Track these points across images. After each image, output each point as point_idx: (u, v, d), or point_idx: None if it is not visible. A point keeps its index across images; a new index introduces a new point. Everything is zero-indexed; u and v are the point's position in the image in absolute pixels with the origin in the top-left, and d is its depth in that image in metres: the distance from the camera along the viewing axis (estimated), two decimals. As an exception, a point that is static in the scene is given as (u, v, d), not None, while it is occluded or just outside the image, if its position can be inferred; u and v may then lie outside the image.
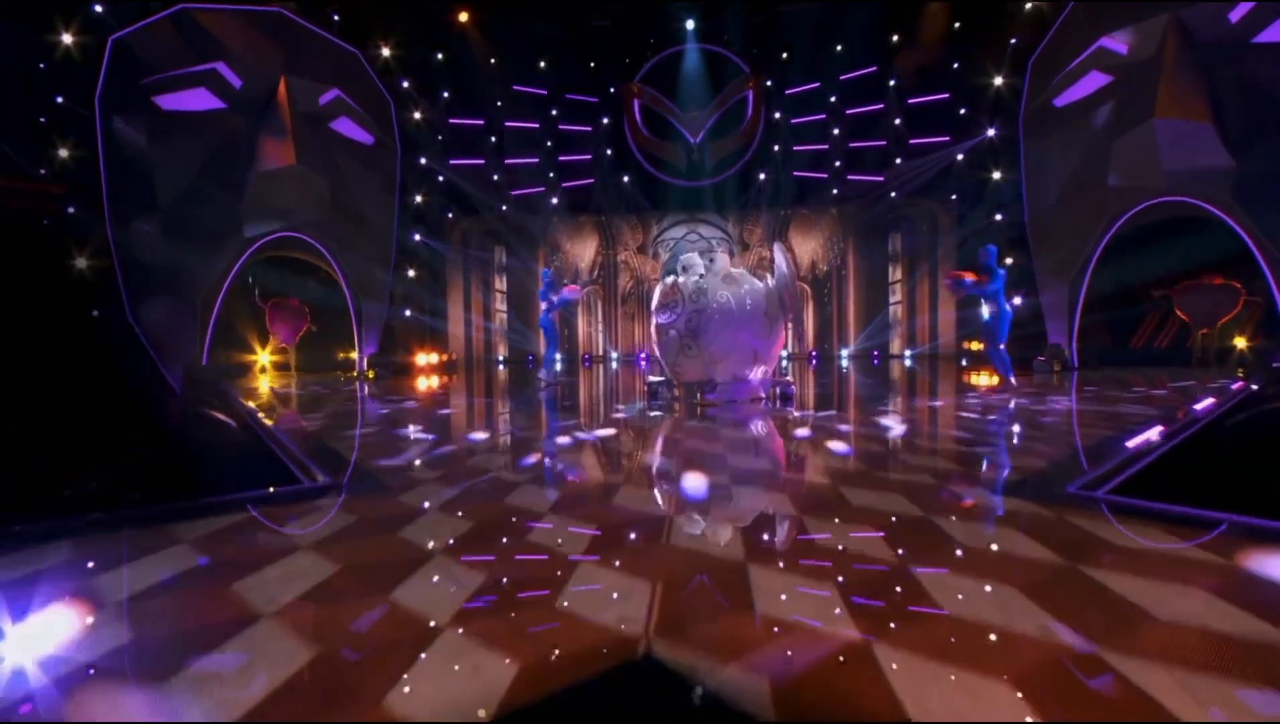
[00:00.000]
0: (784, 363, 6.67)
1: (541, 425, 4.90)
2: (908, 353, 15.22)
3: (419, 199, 13.10)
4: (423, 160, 12.95)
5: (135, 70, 8.25)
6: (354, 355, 10.83)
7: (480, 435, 4.50)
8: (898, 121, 13.67)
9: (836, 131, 14.26)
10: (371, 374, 10.38)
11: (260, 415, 5.21)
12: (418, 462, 3.47)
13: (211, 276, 8.92)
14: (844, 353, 16.17)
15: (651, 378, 6.33)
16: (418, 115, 12.71)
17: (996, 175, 11.38)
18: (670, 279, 5.88)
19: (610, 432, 4.39)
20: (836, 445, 3.76)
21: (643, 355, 15.75)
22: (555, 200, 15.26)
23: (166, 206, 8.64)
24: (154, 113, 8.52)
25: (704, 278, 5.66)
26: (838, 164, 14.48)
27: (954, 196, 13.13)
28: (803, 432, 4.21)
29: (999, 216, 11.31)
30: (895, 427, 4.41)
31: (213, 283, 8.96)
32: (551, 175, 15.00)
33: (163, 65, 8.35)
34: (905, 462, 3.35)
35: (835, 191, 14.87)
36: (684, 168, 15.08)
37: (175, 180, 8.68)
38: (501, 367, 14.92)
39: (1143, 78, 7.87)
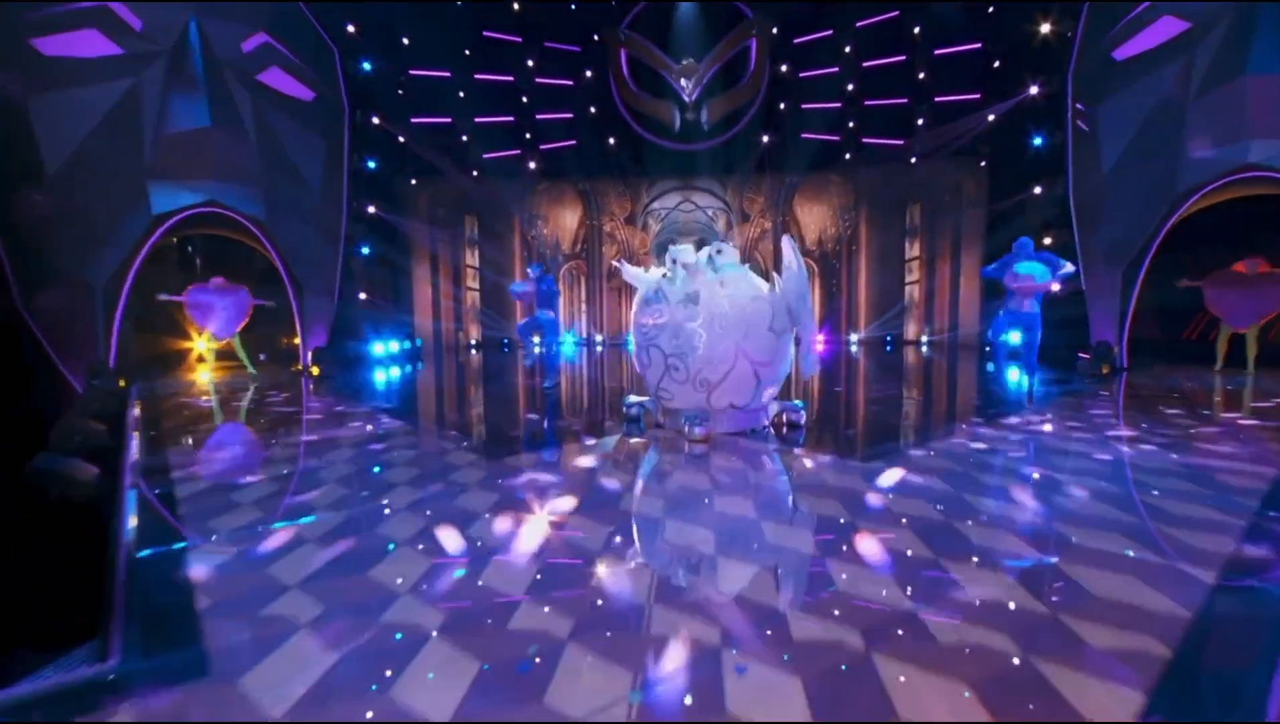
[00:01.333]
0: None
1: (480, 472, 3.93)
2: (924, 339, 14.32)
3: (373, 165, 11.80)
4: (375, 120, 11.63)
5: (5, 6, 6.92)
6: (307, 343, 9.74)
7: (400, 497, 3.52)
8: (922, 76, 12.59)
9: (851, 87, 13.19)
10: (316, 371, 9.33)
11: (134, 454, 4.20)
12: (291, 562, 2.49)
13: (116, 259, 7.75)
14: (853, 338, 15.31)
15: (630, 398, 5.30)
16: (369, 66, 11.33)
17: (1037, 140, 10.24)
18: (655, 275, 4.84)
19: (566, 493, 3.42)
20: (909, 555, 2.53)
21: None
22: (532, 164, 14.45)
23: (55, 175, 7.42)
24: (32, 59, 7.22)
25: (699, 281, 4.66)
26: (852, 125, 13.53)
27: (983, 164, 12.04)
28: (837, 505, 3.21)
29: (1037, 189, 10.22)
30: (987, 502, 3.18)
31: (119, 266, 7.79)
32: (528, 136, 14.08)
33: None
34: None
35: (848, 156, 13.95)
36: (677, 129, 14.11)
37: (63, 143, 7.44)
38: (474, 352, 14.33)
39: (1231, 25, 6.72)
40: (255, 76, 8.65)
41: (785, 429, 5.01)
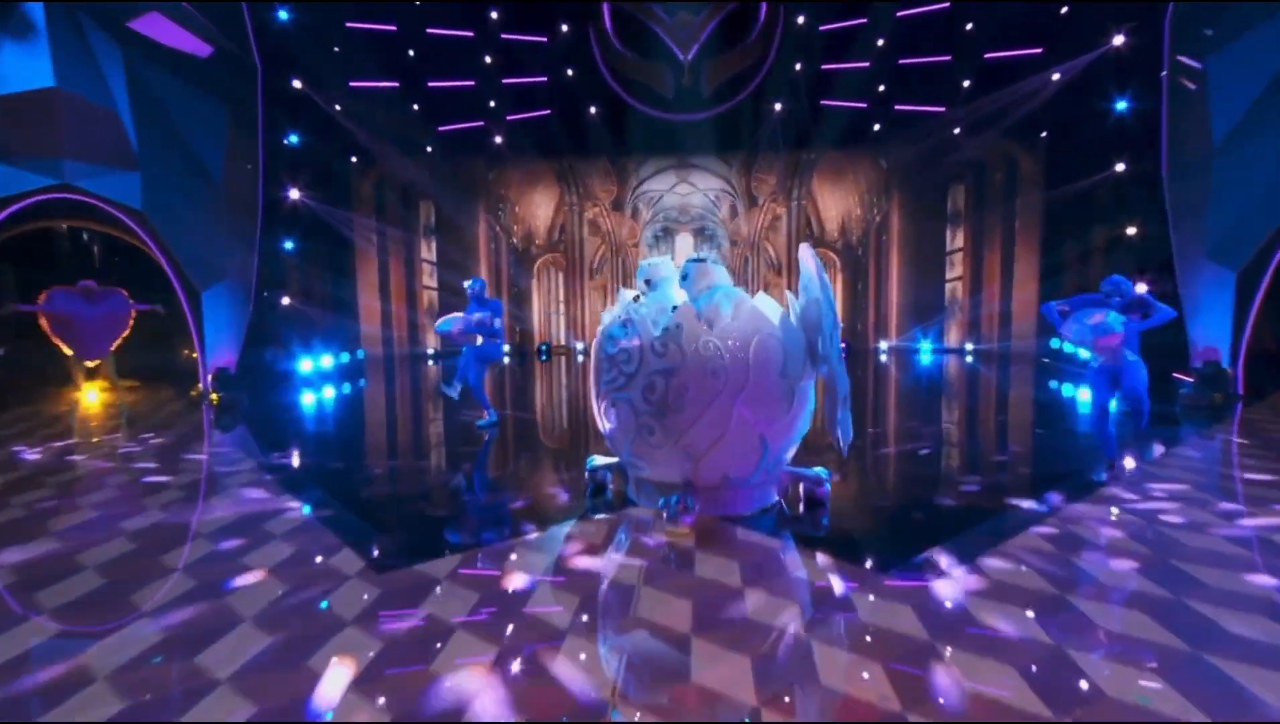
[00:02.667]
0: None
1: (362, 593, 2.84)
2: (969, 347, 13.28)
3: (297, 140, 10.64)
4: (297, 83, 10.46)
5: None
6: (207, 362, 8.61)
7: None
8: (969, 28, 11.49)
9: (882, 43, 12.20)
10: (215, 398, 8.19)
11: None
12: None
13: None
14: (883, 346, 14.30)
15: (595, 460, 4.34)
16: (287, 16, 10.14)
17: (1119, 104, 9.06)
18: (627, 300, 3.85)
19: (471, 647, 2.32)
20: None
21: None
22: (499, 139, 13.83)
23: None
24: None
25: (677, 308, 3.65)
26: (882, 88, 12.63)
27: (1044, 135, 11.06)
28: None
29: (1119, 166, 9.04)
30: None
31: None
32: (493, 104, 13.26)
33: None
34: None
35: (877, 127, 13.23)
36: (671, 95, 13.40)
37: None
38: (432, 363, 13.69)
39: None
40: (126, 25, 7.45)
41: (803, 506, 3.90)
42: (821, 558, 3.21)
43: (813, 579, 3.00)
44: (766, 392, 3.58)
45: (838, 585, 2.90)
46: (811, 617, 2.63)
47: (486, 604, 2.74)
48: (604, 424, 3.98)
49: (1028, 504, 4.01)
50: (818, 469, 4.05)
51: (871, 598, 2.76)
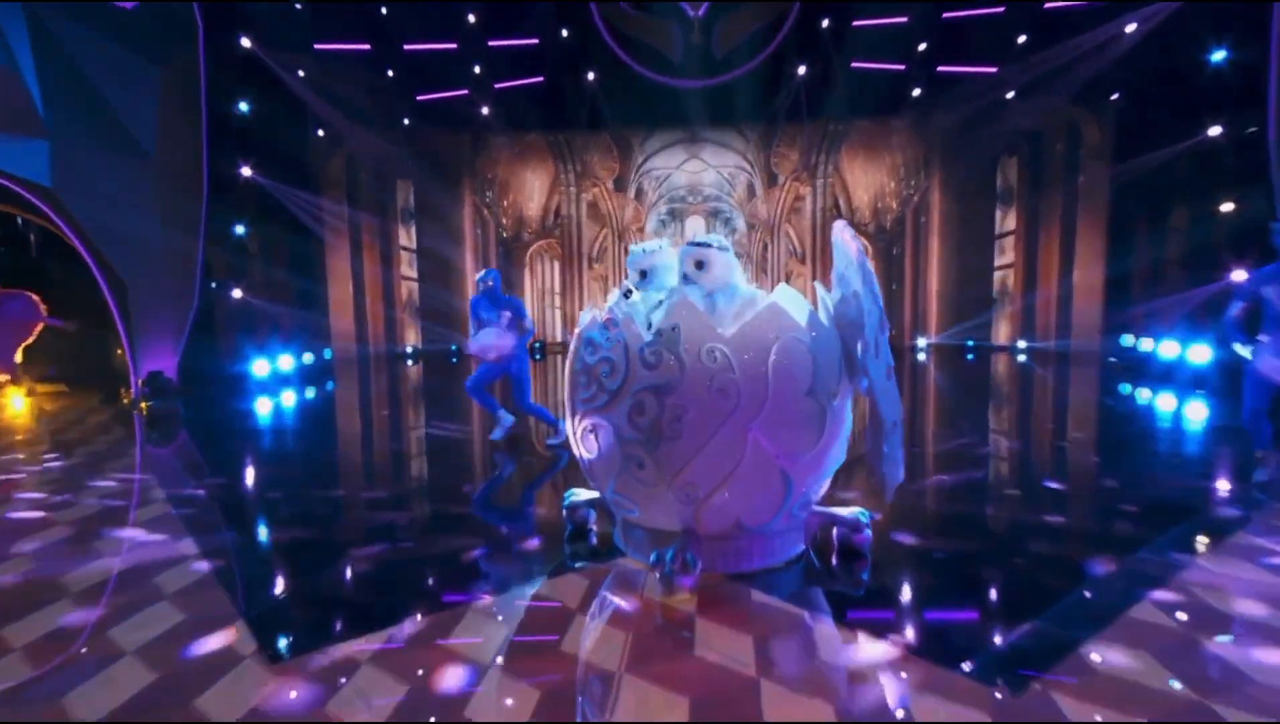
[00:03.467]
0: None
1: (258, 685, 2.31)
2: (1020, 345, 12.76)
3: (248, 108, 10.12)
4: (246, 41, 9.93)
5: None
6: (139, 366, 8.14)
7: None
8: None
9: None
10: (145, 407, 7.70)
11: None
12: None
13: None
14: (921, 344, 13.79)
15: (575, 494, 3.82)
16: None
17: (1215, 55, 8.33)
18: (607, 302, 3.36)
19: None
20: None
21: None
22: (486, 110, 13.53)
23: None
24: None
25: (676, 305, 3.09)
26: (922, 47, 12.14)
27: (1114, 97, 10.39)
28: None
29: (1215, 129, 8.31)
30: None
31: None
32: (479, 70, 12.93)
33: None
34: None
35: (917, 92, 12.77)
36: (680, 58, 13.10)
37: None
38: (411, 363, 13.52)
39: None
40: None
41: (836, 559, 3.34)
42: (864, 635, 2.60)
43: (850, 663, 2.43)
44: (790, 414, 2.98)
45: (888, 683, 2.27)
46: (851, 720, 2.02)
47: (409, 710, 2.15)
48: (581, 453, 3.39)
49: (1134, 557, 3.36)
50: (856, 511, 3.46)
51: (929, 693, 2.15)
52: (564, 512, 3.76)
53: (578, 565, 3.33)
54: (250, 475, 5.40)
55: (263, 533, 4.05)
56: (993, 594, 3.10)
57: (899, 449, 3.00)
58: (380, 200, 13.56)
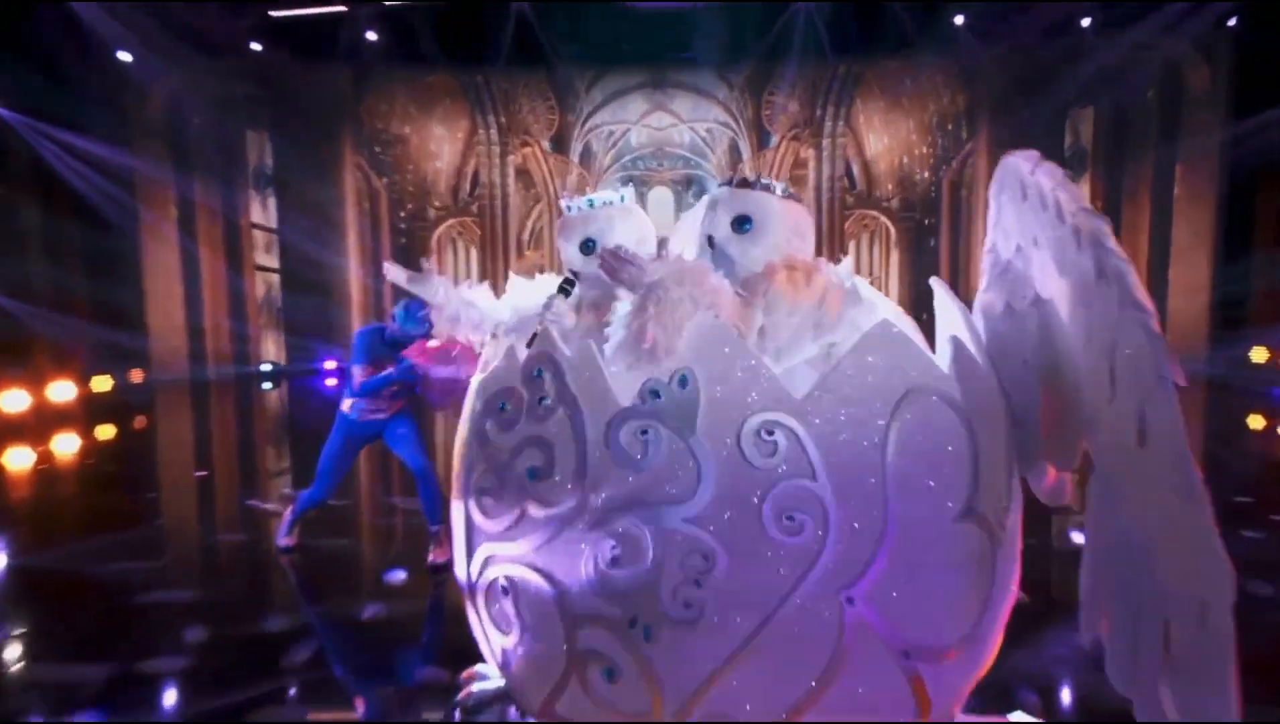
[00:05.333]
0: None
1: None
2: None
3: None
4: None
5: None
6: None
7: None
8: None
9: None
10: None
11: None
12: None
13: None
14: None
15: (474, 683, 2.89)
16: None
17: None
18: (529, 295, 2.80)
19: None
20: None
21: None
22: (373, 36, 13.03)
23: None
24: None
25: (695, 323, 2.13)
26: None
27: (1231, 24, 10.33)
28: None
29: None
30: None
31: None
32: None
33: None
34: None
35: (960, 21, 12.48)
36: None
37: None
38: (268, 387, 13.24)
39: None
40: None
41: None
42: None
43: None
44: (930, 561, 2.10)
45: None
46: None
47: None
48: (481, 628, 2.47)
49: None
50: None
51: None
52: (457, 704, 2.83)
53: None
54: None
55: None
56: None
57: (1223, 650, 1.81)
58: (222, 160, 13.07)
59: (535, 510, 2.14)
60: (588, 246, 2.52)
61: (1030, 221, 2.09)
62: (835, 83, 13.91)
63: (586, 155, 14.45)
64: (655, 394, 1.96)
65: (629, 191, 2.69)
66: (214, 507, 6.17)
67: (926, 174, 14.13)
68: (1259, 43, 10.07)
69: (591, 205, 2.64)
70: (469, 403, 2.43)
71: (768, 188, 2.44)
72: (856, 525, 2.00)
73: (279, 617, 3.67)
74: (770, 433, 1.93)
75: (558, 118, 14.35)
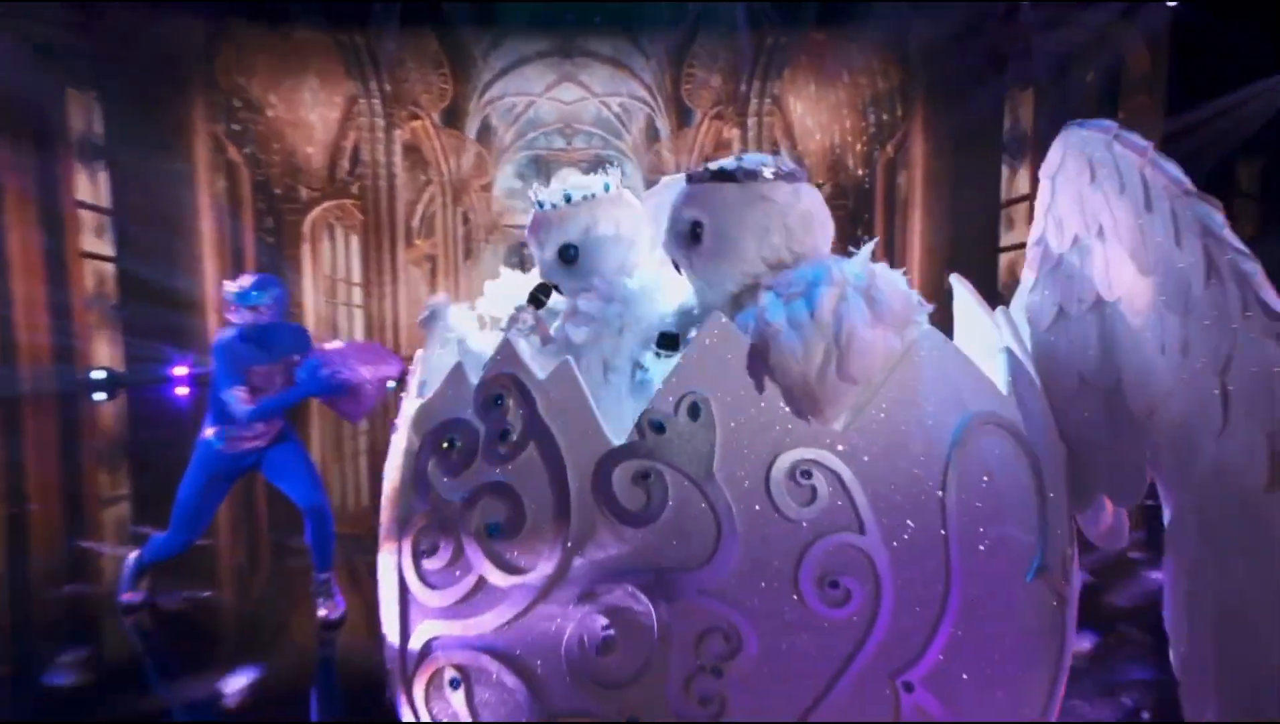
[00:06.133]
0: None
1: None
2: None
3: None
4: None
5: None
6: None
7: None
8: None
9: None
10: None
11: None
12: None
13: None
14: None
15: None
16: None
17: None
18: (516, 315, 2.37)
19: None
20: None
21: None
22: None
23: None
24: None
25: (704, 349, 1.81)
26: None
27: (1173, 4, 10.78)
28: None
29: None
30: None
31: None
32: None
33: None
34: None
35: None
36: None
37: None
38: (103, 397, 13.05)
39: None
40: None
41: None
42: None
43: None
44: (999, 632, 1.99)
45: None
46: None
47: None
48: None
49: None
50: None
51: None
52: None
53: None
54: None
55: None
56: None
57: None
58: (39, 130, 12.63)
59: (498, 578, 1.84)
60: (568, 254, 2.29)
61: (1099, 207, 1.93)
62: (762, 56, 14.30)
63: (485, 131, 14.57)
64: (658, 427, 1.71)
65: (615, 176, 2.38)
66: (28, 551, 5.71)
67: (860, 156, 14.66)
68: (1199, 24, 10.45)
69: (569, 200, 2.34)
70: (401, 435, 2.14)
71: (751, 175, 2.14)
72: (915, 591, 1.82)
73: (120, 696, 3.36)
74: (807, 476, 1.71)
75: (450, 87, 14.47)
